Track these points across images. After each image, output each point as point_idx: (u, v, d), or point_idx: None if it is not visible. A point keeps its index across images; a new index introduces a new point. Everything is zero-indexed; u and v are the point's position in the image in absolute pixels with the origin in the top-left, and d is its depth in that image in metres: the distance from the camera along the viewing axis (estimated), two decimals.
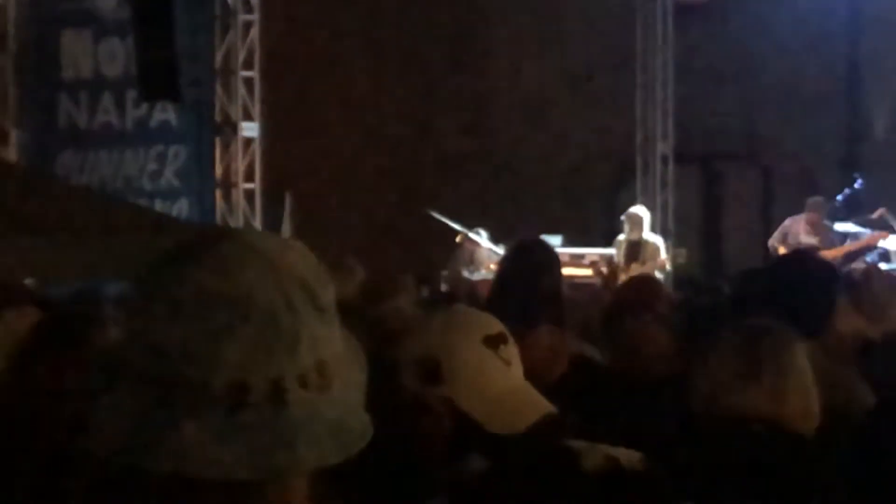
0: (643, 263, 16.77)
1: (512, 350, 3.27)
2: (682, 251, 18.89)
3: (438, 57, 23.15)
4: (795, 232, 17.82)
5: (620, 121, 20.24)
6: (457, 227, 18.13)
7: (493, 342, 3.24)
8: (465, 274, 17.27)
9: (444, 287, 16.18)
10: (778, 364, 4.22)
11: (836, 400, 4.81)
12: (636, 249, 17.22)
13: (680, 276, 17.45)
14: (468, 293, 13.03)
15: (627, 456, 3.07)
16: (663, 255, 17.48)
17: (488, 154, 22.74)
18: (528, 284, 6.70)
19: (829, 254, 17.07)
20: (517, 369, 3.27)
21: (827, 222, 17.97)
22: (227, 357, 1.69)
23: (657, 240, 17.70)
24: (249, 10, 17.10)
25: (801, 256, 6.93)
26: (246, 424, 1.69)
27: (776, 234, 17.99)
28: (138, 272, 1.78)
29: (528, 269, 6.92)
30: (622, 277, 15.43)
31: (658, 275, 16.42)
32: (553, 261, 7.32)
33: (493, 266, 17.18)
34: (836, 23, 21.76)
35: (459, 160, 22.77)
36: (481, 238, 17.87)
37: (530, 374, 3.68)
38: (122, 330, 1.80)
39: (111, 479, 1.75)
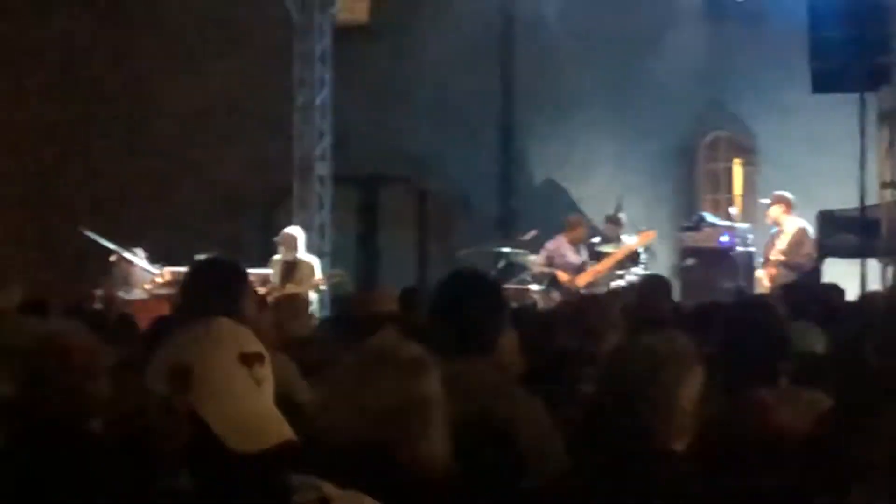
0: (299, 283, 16.81)
1: (265, 372, 3.20)
2: (339, 271, 18.95)
3: (96, 77, 23.03)
4: (562, 253, 17.93)
5: (278, 141, 20.27)
6: (111, 246, 17.68)
7: (249, 360, 3.17)
8: (121, 293, 17.03)
9: (97, 306, 15.90)
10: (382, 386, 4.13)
11: (497, 414, 4.84)
12: (291, 269, 17.25)
13: (336, 295, 17.63)
14: (120, 313, 12.87)
15: (346, 498, 3.21)
16: (318, 274, 17.51)
17: (146, 173, 22.50)
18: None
19: (599, 268, 17.65)
20: (267, 392, 3.19)
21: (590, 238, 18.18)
22: None
23: (312, 259, 17.68)
24: None
25: (468, 275, 6.76)
26: None
27: (539, 259, 17.98)
28: None
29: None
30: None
31: (313, 294, 16.81)
32: None
33: (147, 286, 17.22)
34: (492, 46, 22.30)
35: (116, 179, 22.56)
36: (137, 258, 17.58)
37: None
38: None
39: None
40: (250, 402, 3.14)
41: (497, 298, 5.78)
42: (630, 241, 18.09)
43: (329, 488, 3.19)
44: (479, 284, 5.91)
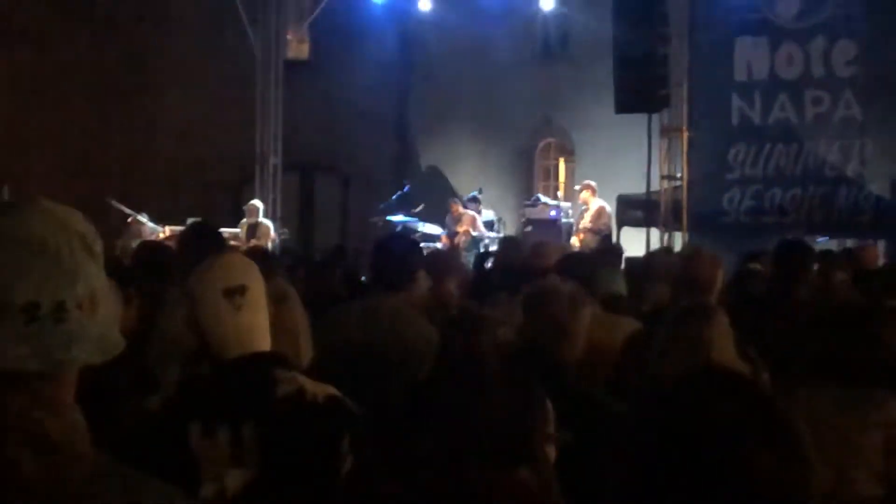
0: (259, 239, 16.55)
1: (245, 300, 3.04)
2: (286, 231, 18.85)
3: (116, 89, 22.57)
4: (448, 222, 17.91)
5: (247, 139, 19.90)
6: (128, 211, 17.60)
7: (230, 293, 3.04)
8: (133, 245, 16.83)
9: (117, 253, 15.68)
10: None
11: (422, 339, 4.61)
12: (254, 230, 17.09)
13: (284, 247, 17.48)
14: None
15: (318, 389, 3.03)
16: (272, 233, 17.35)
17: (152, 162, 22.26)
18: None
19: (461, 235, 17.54)
20: (248, 315, 3.04)
21: (465, 210, 17.94)
22: (24, 284, 1.64)
23: (268, 223, 17.56)
24: None
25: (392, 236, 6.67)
26: (36, 332, 1.64)
27: (447, 231, 17.89)
28: None
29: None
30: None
31: (269, 246, 16.49)
32: None
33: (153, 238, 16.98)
34: (393, 73, 22.12)
35: (132, 165, 22.19)
36: (145, 219, 17.43)
37: None
38: None
39: None
40: (231, 322, 3.03)
41: (415, 248, 5.47)
42: (469, 215, 17.97)
43: (304, 381, 3.05)
44: (403, 239, 6.06)
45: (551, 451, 2.99)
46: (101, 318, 1.71)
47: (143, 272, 5.62)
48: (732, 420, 1.72)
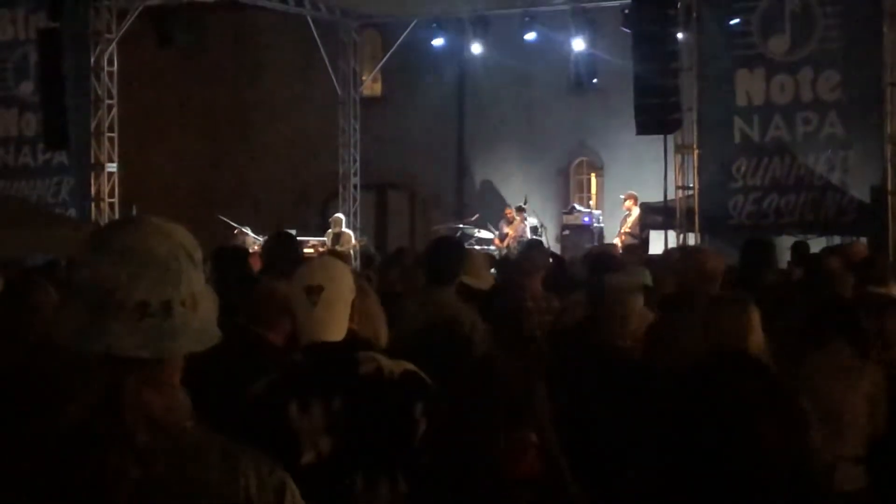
0: (342, 245, 16.71)
1: (321, 297, 2.97)
2: (364, 238, 18.83)
3: (222, 124, 22.95)
4: (501, 225, 18.03)
5: (331, 164, 20.05)
6: (235, 225, 17.79)
7: (309, 291, 2.98)
8: None
9: None
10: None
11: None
12: (338, 238, 17.18)
13: (363, 252, 17.71)
14: None
15: (394, 366, 3.01)
16: (353, 241, 17.43)
17: (255, 185, 22.29)
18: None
19: (511, 232, 17.56)
20: (322, 310, 2.97)
21: (516, 216, 17.92)
22: (137, 286, 1.63)
23: (350, 232, 17.67)
24: (111, 97, 16.84)
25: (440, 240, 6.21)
26: (148, 326, 1.63)
27: (498, 233, 17.92)
28: (87, 237, 1.70)
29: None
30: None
31: (351, 252, 16.65)
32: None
33: (255, 247, 17.32)
34: (452, 103, 21.74)
35: (238, 188, 22.38)
36: (248, 231, 17.59)
37: None
38: (76, 273, 1.69)
39: (70, 359, 1.64)
40: (309, 316, 3.00)
41: (459, 250, 5.52)
42: (518, 220, 18.02)
43: (383, 359, 3.03)
44: (450, 242, 5.93)
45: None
46: (201, 315, 1.69)
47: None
48: (747, 397, 1.70)
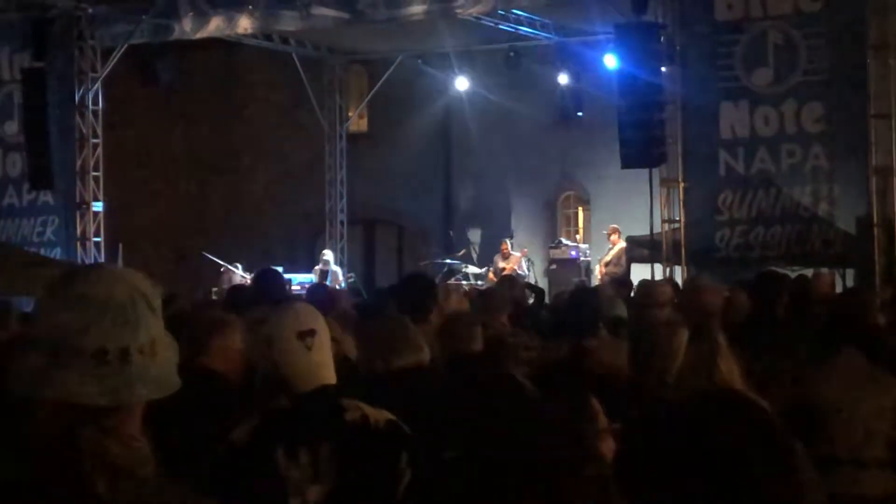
0: (331, 283, 16.63)
1: (315, 341, 3.00)
2: (352, 275, 18.95)
3: (209, 160, 22.95)
4: (496, 260, 17.97)
5: (318, 199, 20.13)
6: (220, 262, 17.78)
7: (302, 336, 3.00)
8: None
9: (214, 297, 15.95)
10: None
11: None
12: (325, 274, 17.18)
13: (351, 288, 17.66)
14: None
15: (378, 414, 3.02)
16: (341, 277, 17.49)
17: (241, 219, 22.25)
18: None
19: (509, 266, 17.47)
20: (317, 354, 3.00)
21: (513, 252, 17.99)
22: (95, 333, 1.63)
23: (338, 269, 17.76)
24: (96, 136, 16.82)
25: (415, 274, 6.57)
26: (105, 373, 1.62)
27: (493, 267, 17.85)
28: (45, 285, 1.70)
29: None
30: None
31: (338, 287, 16.68)
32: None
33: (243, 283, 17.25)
34: (438, 140, 21.67)
35: (222, 223, 22.27)
36: (238, 269, 17.58)
37: None
38: (34, 320, 1.74)
39: (23, 405, 1.61)
40: (304, 361, 3.00)
41: (429, 285, 5.67)
42: (516, 256, 18.08)
43: (366, 407, 3.03)
44: (418, 277, 6.10)
45: (609, 443, 2.79)
46: (160, 361, 1.68)
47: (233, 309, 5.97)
48: (740, 442, 1.54)
